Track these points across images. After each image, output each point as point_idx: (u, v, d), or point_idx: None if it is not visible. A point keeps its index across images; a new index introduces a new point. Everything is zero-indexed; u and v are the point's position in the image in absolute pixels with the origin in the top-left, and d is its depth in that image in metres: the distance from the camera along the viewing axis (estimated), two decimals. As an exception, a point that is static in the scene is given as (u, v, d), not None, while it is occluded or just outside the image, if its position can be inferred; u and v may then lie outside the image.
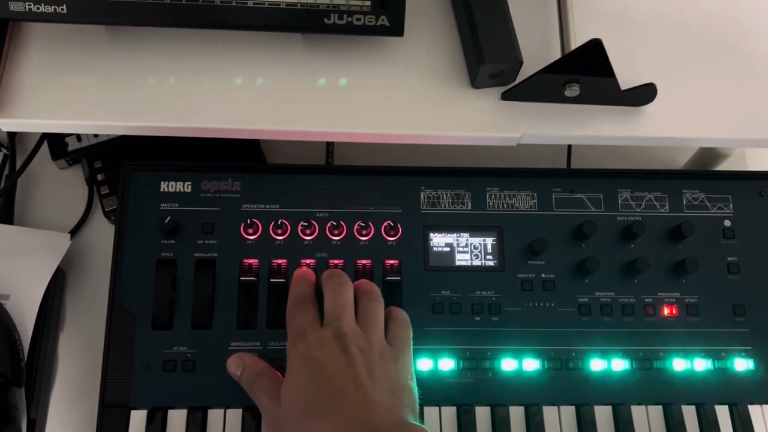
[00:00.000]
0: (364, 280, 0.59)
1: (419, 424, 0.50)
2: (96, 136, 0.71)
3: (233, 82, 0.57)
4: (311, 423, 0.48)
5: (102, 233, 0.69)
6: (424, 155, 0.71)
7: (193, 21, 0.54)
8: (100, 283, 0.65)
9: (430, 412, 0.58)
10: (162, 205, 0.61)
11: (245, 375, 0.54)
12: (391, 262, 0.61)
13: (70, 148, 0.70)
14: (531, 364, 0.59)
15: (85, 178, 0.71)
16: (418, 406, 0.52)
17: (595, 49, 0.52)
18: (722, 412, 0.59)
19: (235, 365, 0.55)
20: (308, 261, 0.60)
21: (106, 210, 0.69)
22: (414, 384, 0.53)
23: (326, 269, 0.59)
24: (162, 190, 0.62)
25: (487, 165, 0.65)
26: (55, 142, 0.71)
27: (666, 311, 0.62)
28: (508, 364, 0.59)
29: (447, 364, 0.59)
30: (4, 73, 0.56)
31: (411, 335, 0.56)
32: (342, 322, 0.53)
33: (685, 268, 0.61)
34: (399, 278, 0.60)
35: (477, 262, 0.62)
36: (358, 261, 0.61)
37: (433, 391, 0.58)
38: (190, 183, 0.62)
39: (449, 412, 0.58)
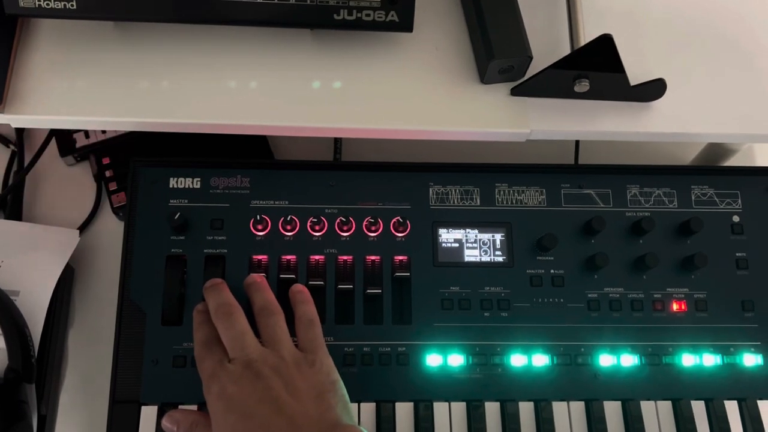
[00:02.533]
0: (252, 286, 0.57)
1: (353, 424, 0.50)
2: (104, 132, 0.71)
3: (242, 78, 0.57)
4: None
5: (110, 230, 0.69)
6: (433, 151, 0.71)
7: (202, 17, 0.54)
8: (109, 279, 0.65)
9: (440, 407, 0.58)
10: (171, 201, 0.61)
11: (181, 429, 0.53)
12: (400, 258, 0.61)
13: (78, 145, 0.70)
14: (540, 360, 0.59)
15: (93, 175, 0.71)
16: (347, 397, 0.52)
17: (605, 44, 0.52)
18: (731, 408, 0.60)
19: (169, 424, 0.54)
20: (317, 257, 0.60)
21: (115, 206, 0.69)
22: (337, 376, 0.53)
23: (255, 289, 0.57)
24: (171, 186, 0.62)
25: (496, 161, 0.65)
26: (64, 139, 0.71)
27: (675, 307, 0.62)
28: (517, 360, 0.59)
29: (456, 359, 0.59)
30: (13, 69, 0.56)
31: (319, 330, 0.55)
32: (246, 350, 0.52)
33: (694, 263, 0.61)
34: (408, 274, 0.60)
35: (486, 258, 0.62)
36: (367, 257, 0.61)
37: (443, 387, 0.58)
38: (199, 179, 0.62)
39: (459, 408, 0.58)
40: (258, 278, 0.58)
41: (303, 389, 0.50)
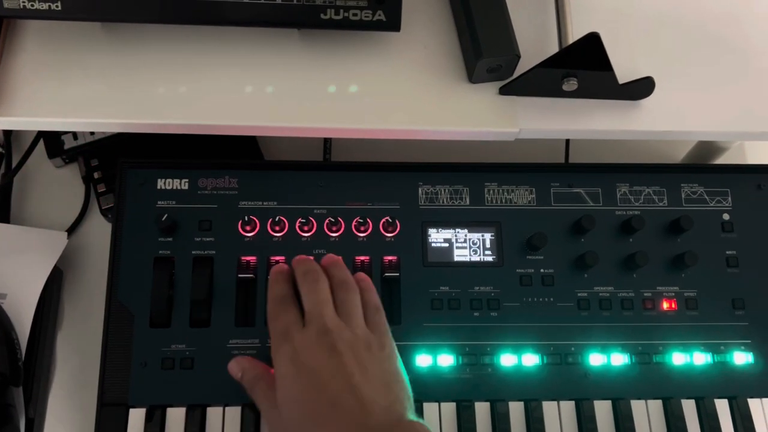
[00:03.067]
0: (333, 264, 0.57)
1: (417, 419, 0.50)
2: (92, 133, 0.71)
3: (230, 79, 0.57)
4: (310, 430, 0.48)
5: (99, 231, 0.69)
6: (422, 151, 0.70)
7: (189, 17, 0.54)
8: (97, 281, 0.65)
9: (430, 407, 0.57)
10: (159, 202, 0.61)
11: (245, 379, 0.54)
12: (390, 258, 0.61)
13: (66, 147, 0.70)
14: (530, 360, 0.59)
15: (81, 177, 0.71)
16: (411, 392, 0.52)
17: (592, 42, 0.52)
18: (722, 406, 0.59)
19: (235, 369, 0.55)
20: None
21: (103, 208, 0.69)
22: (402, 367, 0.53)
23: (336, 267, 0.57)
24: (159, 187, 0.61)
25: (485, 160, 0.65)
26: (51, 141, 0.70)
27: (665, 305, 0.62)
28: (507, 360, 0.59)
29: (446, 359, 0.58)
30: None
31: (385, 318, 0.56)
32: (324, 319, 0.52)
33: (684, 262, 0.61)
34: (397, 274, 0.60)
35: (476, 258, 0.62)
36: (357, 257, 0.61)
37: (433, 387, 0.58)
38: (187, 180, 0.62)
39: (449, 408, 0.58)
40: (338, 258, 0.58)
41: (374, 373, 0.50)
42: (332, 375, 0.49)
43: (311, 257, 0.58)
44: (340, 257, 0.58)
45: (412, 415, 0.50)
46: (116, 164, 0.62)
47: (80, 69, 0.56)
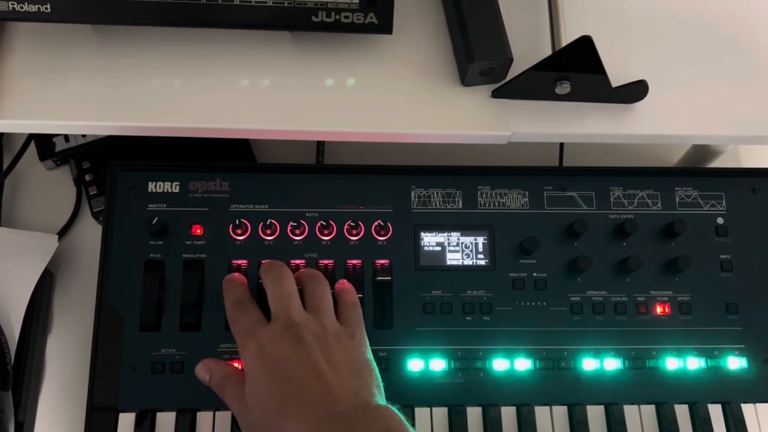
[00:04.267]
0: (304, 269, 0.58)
1: (385, 404, 0.49)
2: (84, 136, 0.70)
3: (221, 82, 0.56)
4: (280, 422, 0.48)
5: (90, 234, 0.68)
6: (415, 154, 0.70)
7: (180, 20, 0.54)
8: (88, 284, 0.64)
9: (422, 412, 0.57)
10: (150, 205, 0.61)
11: (213, 380, 0.53)
12: (382, 261, 0.60)
13: (57, 149, 0.70)
14: (523, 364, 0.59)
15: (73, 179, 0.70)
16: (381, 380, 0.52)
17: (585, 45, 0.52)
18: (715, 411, 0.59)
19: (202, 372, 0.54)
20: (298, 261, 0.60)
21: (95, 211, 0.68)
22: (372, 357, 0.53)
23: (308, 268, 0.59)
24: (150, 190, 0.61)
25: (478, 163, 0.65)
26: (43, 143, 0.70)
27: (659, 310, 0.61)
28: (499, 364, 0.59)
29: (438, 364, 0.58)
30: (-12, 73, 0.55)
31: (361, 314, 0.56)
32: (290, 311, 0.52)
33: (677, 266, 0.61)
34: (389, 278, 0.60)
35: (468, 262, 0.61)
36: (348, 261, 0.60)
37: (425, 392, 0.58)
38: (178, 183, 0.61)
39: (440, 413, 0.57)
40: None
41: (341, 361, 0.50)
42: (298, 364, 0.49)
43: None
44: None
45: (381, 400, 0.50)
46: (107, 167, 0.62)
47: (71, 71, 0.56)
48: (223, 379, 0.53)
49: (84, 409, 0.56)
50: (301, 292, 0.55)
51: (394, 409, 0.49)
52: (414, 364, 0.58)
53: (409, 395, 0.57)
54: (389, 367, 0.58)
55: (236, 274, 0.57)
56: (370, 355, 0.53)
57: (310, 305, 0.54)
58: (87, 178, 0.69)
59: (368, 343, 0.54)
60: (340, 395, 0.48)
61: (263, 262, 0.57)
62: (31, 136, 0.70)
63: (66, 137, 0.70)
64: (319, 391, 0.48)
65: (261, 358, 0.50)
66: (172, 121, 0.56)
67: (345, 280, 0.59)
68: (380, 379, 0.52)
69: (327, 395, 0.48)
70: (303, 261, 0.60)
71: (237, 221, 0.60)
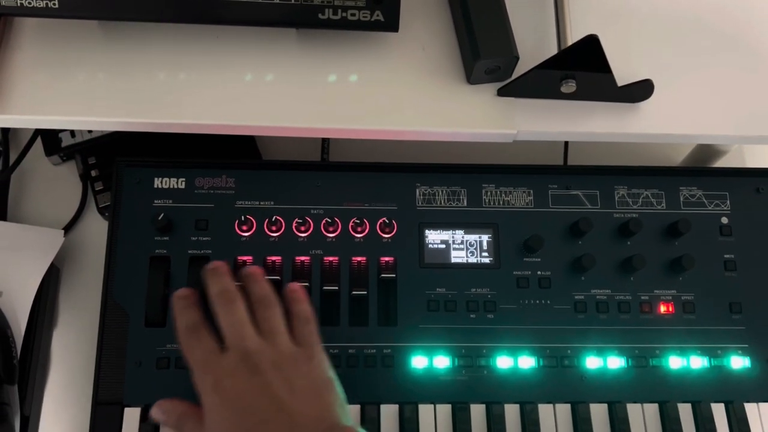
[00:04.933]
0: (251, 279, 0.55)
1: (350, 424, 0.49)
2: (90, 131, 0.70)
3: (227, 78, 0.57)
4: None
5: (96, 230, 0.69)
6: (420, 152, 0.70)
7: (187, 16, 0.54)
8: (94, 279, 0.64)
9: (425, 409, 0.57)
10: (155, 201, 0.61)
11: (170, 422, 0.52)
12: (386, 259, 0.61)
13: (63, 144, 0.70)
14: (526, 362, 0.59)
15: (79, 174, 0.71)
16: (343, 396, 0.51)
17: (591, 44, 0.52)
18: (718, 410, 0.59)
19: (158, 414, 0.52)
20: (303, 258, 0.60)
21: (101, 206, 0.69)
22: (333, 374, 0.52)
23: (256, 283, 0.55)
24: (156, 186, 0.61)
25: (483, 161, 0.65)
26: (49, 138, 0.70)
27: (662, 309, 0.61)
28: (503, 362, 0.59)
29: (442, 361, 0.58)
30: (-4, 68, 0.55)
31: (316, 328, 0.54)
32: (245, 341, 0.50)
33: (681, 265, 0.61)
34: (394, 275, 0.60)
35: (473, 260, 0.61)
36: (353, 258, 0.60)
37: (429, 389, 0.58)
38: (184, 179, 0.61)
39: (444, 410, 0.58)
40: (257, 269, 0.56)
41: (301, 386, 0.50)
42: (257, 397, 0.48)
43: (221, 263, 0.56)
44: (258, 268, 0.57)
45: (345, 420, 0.49)
46: (113, 163, 0.62)
47: (77, 67, 0.56)
48: (181, 418, 0.51)
49: (89, 403, 0.56)
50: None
51: (356, 428, 0.48)
52: (418, 362, 0.58)
53: (413, 392, 0.58)
54: (393, 364, 0.58)
55: (186, 291, 0.55)
56: (330, 372, 0.52)
57: (263, 329, 0.52)
58: (93, 173, 0.70)
59: (326, 359, 0.53)
60: (303, 423, 0.47)
61: (211, 267, 0.55)
62: (38, 132, 0.70)
63: (72, 133, 0.70)
64: (281, 421, 0.47)
65: (218, 392, 0.49)
66: (179, 117, 0.56)
67: (294, 284, 0.56)
68: (343, 396, 0.51)
69: (290, 425, 0.47)
70: (308, 258, 0.60)
71: (243, 217, 0.60)
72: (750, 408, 0.59)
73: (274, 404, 0.48)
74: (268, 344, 0.51)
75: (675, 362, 0.60)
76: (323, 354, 0.53)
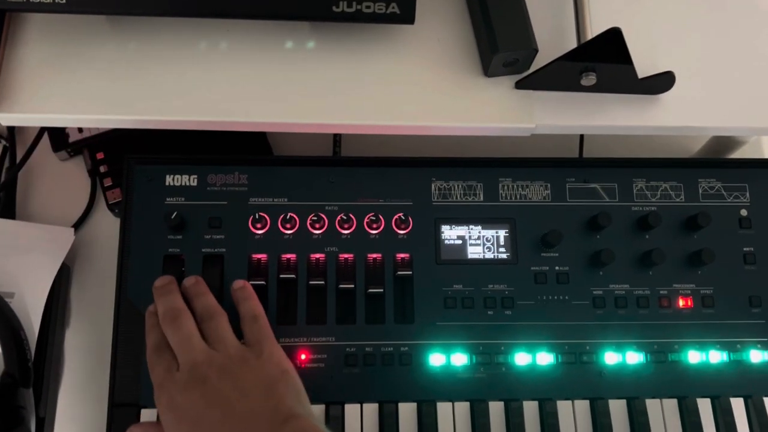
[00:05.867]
0: (193, 292, 0.55)
1: (302, 413, 0.48)
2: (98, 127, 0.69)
3: (239, 73, 0.55)
4: None
5: (106, 226, 0.68)
6: (435, 146, 0.69)
7: (197, 10, 0.52)
8: (107, 277, 0.63)
9: (444, 407, 0.57)
10: (168, 199, 0.60)
11: None
12: (402, 255, 0.60)
13: (71, 140, 0.69)
14: (545, 359, 0.58)
15: (87, 170, 0.70)
16: (300, 385, 0.51)
17: (614, 37, 0.50)
18: (738, 405, 0.59)
19: None
20: (318, 255, 0.59)
21: (110, 203, 0.68)
22: (287, 366, 0.52)
23: (198, 295, 0.56)
24: (167, 183, 0.60)
25: (498, 155, 0.64)
26: (56, 134, 0.69)
27: (681, 303, 0.61)
28: (521, 359, 0.58)
29: (460, 359, 0.58)
30: (2, 65, 0.54)
31: (265, 323, 0.54)
32: (192, 353, 0.51)
33: (701, 259, 0.60)
34: (410, 272, 0.59)
35: (489, 255, 0.61)
36: (369, 255, 0.60)
37: (447, 386, 0.57)
38: (196, 176, 0.60)
39: (463, 408, 0.57)
40: (194, 282, 0.56)
41: (251, 384, 0.50)
42: (207, 406, 0.48)
43: (168, 279, 0.56)
44: (197, 277, 0.56)
45: (299, 409, 0.49)
46: (122, 158, 0.61)
47: (85, 63, 0.55)
48: None
49: (104, 402, 0.56)
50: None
51: (308, 416, 0.48)
52: (435, 359, 0.58)
53: (430, 390, 0.57)
54: (410, 362, 0.57)
55: (153, 307, 0.55)
56: (284, 364, 0.52)
57: (210, 340, 0.52)
58: (101, 169, 0.68)
59: (282, 353, 0.53)
60: (255, 424, 0.47)
61: (154, 285, 0.56)
62: (45, 127, 0.69)
63: (79, 128, 0.69)
64: (233, 426, 0.47)
65: (172, 409, 0.50)
66: (188, 114, 0.55)
67: (238, 282, 0.57)
68: (300, 386, 0.51)
69: (243, 429, 0.47)
70: (323, 255, 0.59)
71: (256, 215, 0.59)
72: (770, 402, 0.59)
73: (225, 410, 0.48)
74: (217, 352, 0.51)
75: (694, 357, 0.59)
76: (276, 347, 0.53)
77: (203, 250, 0.59)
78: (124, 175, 0.60)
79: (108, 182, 0.68)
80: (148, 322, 0.55)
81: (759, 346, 0.60)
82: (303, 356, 0.57)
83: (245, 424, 0.48)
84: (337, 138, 0.71)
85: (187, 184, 0.60)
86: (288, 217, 0.59)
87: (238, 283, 0.57)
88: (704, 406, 0.59)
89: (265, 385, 0.50)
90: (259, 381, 0.50)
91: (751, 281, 0.62)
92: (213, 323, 0.53)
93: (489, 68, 0.56)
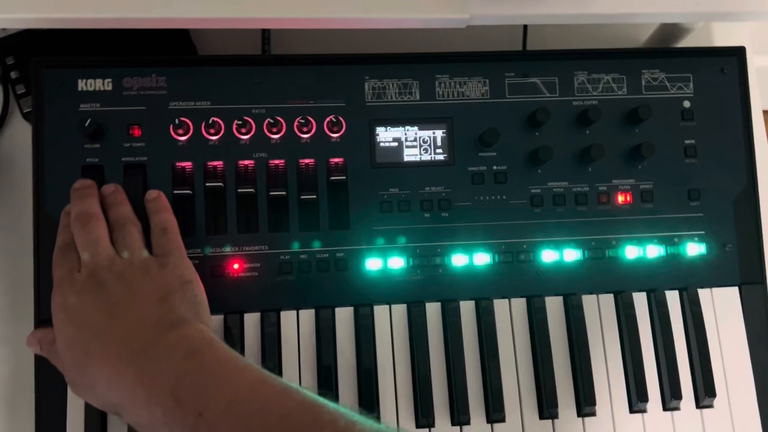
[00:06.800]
0: (110, 199, 0.54)
1: (196, 323, 0.48)
2: (4, 29, 0.64)
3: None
4: (87, 369, 0.47)
5: (23, 137, 0.64)
6: (368, 42, 0.65)
7: None
8: (26, 189, 0.60)
9: (381, 310, 0.57)
10: (81, 105, 0.56)
11: (44, 349, 0.52)
12: (336, 160, 0.58)
13: (-24, 44, 0.63)
14: (482, 259, 0.58)
15: (-2, 77, 0.65)
16: (201, 297, 0.51)
17: None
18: (673, 297, 0.60)
19: (33, 343, 0.53)
20: (246, 162, 0.57)
21: (25, 111, 0.63)
22: (192, 277, 0.51)
23: (115, 205, 0.54)
24: (80, 88, 0.56)
25: (436, 50, 0.60)
26: (-42, 37, 0.63)
27: (620, 199, 0.60)
28: (458, 260, 0.58)
29: (397, 262, 0.57)
30: None
31: (175, 236, 0.53)
32: (96, 257, 0.50)
33: (640, 153, 0.59)
34: (344, 177, 0.57)
35: (426, 157, 0.59)
36: (300, 160, 0.57)
37: (384, 290, 0.57)
38: (110, 80, 0.56)
39: (400, 310, 0.57)
40: (113, 190, 0.54)
41: (146, 293, 0.49)
42: (95, 310, 0.48)
43: (88, 182, 0.54)
44: (116, 185, 0.54)
45: (192, 319, 0.48)
46: (30, 63, 0.56)
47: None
48: (51, 343, 0.51)
49: (30, 320, 0.54)
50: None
51: (199, 325, 0.48)
52: (372, 264, 0.57)
53: (368, 294, 0.57)
54: (347, 267, 0.57)
55: (69, 207, 0.53)
56: (188, 275, 0.51)
57: (119, 248, 0.51)
58: (13, 75, 0.64)
59: (188, 264, 0.52)
60: (139, 330, 0.47)
61: (73, 187, 0.54)
62: (-56, 30, 0.63)
63: (-16, 30, 0.64)
64: (116, 331, 0.47)
65: (64, 309, 0.49)
66: (101, 11, 0.51)
67: (154, 192, 0.55)
68: (201, 298, 0.51)
69: (126, 334, 0.47)
70: (252, 162, 0.57)
71: (177, 120, 0.56)
72: (704, 293, 0.60)
73: (111, 315, 0.48)
74: (121, 259, 0.50)
75: (631, 252, 0.59)
76: (182, 259, 0.52)
77: (123, 159, 0.56)
78: (32, 80, 0.56)
79: (21, 89, 0.63)
80: (61, 222, 0.54)
81: (696, 239, 0.60)
82: (236, 266, 0.56)
83: (128, 330, 0.47)
84: (265, 35, 0.66)
85: (102, 88, 0.56)
86: (211, 121, 0.56)
87: (152, 194, 0.55)
88: (640, 299, 0.59)
89: (161, 295, 0.49)
90: (156, 290, 0.49)
91: (691, 174, 0.61)
92: (123, 231, 0.52)
93: (419, -47, 0.52)
